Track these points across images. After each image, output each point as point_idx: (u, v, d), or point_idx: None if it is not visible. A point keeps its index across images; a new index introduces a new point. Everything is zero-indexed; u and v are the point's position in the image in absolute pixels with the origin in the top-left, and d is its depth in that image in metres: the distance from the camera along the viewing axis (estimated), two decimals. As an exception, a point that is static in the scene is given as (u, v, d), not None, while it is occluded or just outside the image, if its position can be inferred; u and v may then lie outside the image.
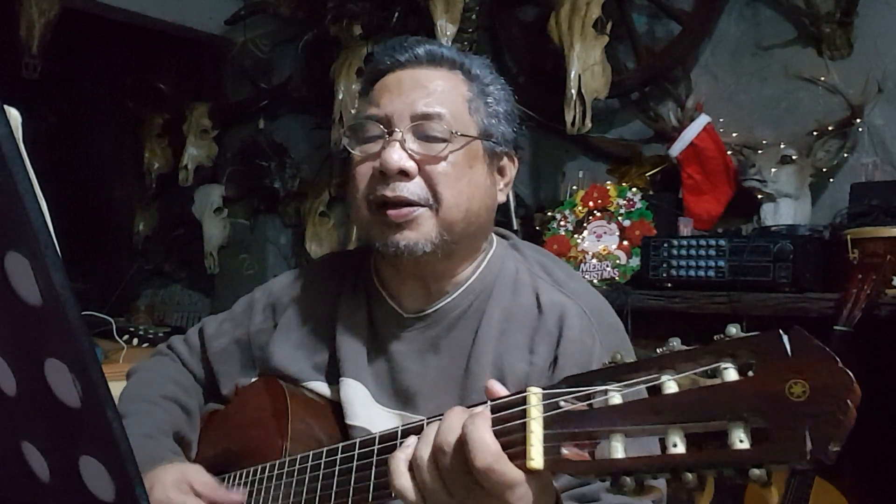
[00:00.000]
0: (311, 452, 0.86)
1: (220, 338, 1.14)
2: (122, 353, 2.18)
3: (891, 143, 1.86)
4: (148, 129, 3.79)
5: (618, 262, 2.03)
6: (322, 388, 1.03)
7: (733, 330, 0.54)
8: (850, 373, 0.48)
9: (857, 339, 1.54)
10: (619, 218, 2.07)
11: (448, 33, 2.40)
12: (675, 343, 0.57)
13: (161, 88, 3.76)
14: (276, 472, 0.90)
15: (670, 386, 0.56)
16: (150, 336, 2.43)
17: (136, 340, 2.38)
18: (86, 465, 0.46)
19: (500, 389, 0.71)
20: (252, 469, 0.95)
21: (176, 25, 3.47)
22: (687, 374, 0.56)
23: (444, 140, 0.93)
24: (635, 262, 2.00)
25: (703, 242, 1.81)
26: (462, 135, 0.93)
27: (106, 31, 3.60)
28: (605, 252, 2.06)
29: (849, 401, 0.48)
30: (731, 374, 0.53)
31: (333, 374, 1.02)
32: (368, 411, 0.98)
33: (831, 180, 1.92)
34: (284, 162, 3.30)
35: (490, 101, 0.98)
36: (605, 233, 2.09)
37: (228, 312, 1.18)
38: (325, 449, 0.85)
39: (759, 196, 1.91)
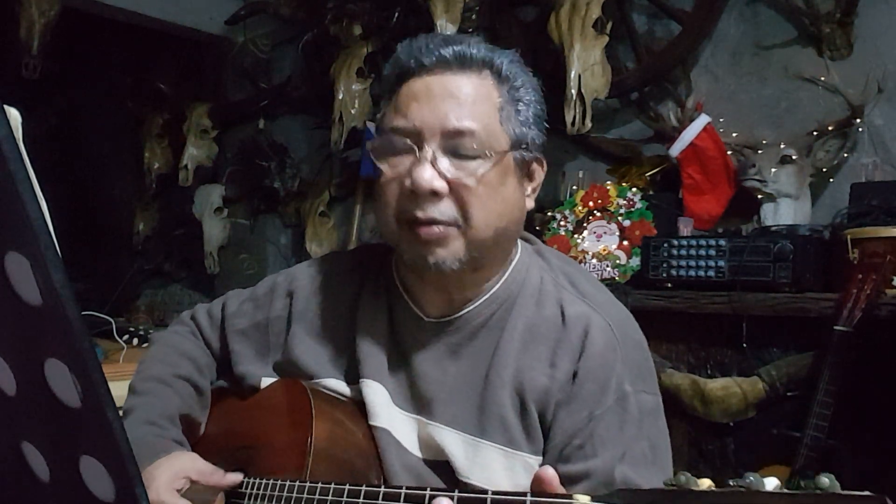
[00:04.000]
0: (332, 486, 0.84)
1: (239, 317, 1.14)
2: (122, 353, 2.17)
3: (891, 143, 1.86)
4: (148, 129, 3.79)
5: (618, 262, 2.03)
6: (340, 386, 1.02)
7: (826, 481, 0.47)
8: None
9: (857, 339, 1.54)
10: (619, 218, 2.07)
11: (448, 33, 2.39)
12: (753, 479, 0.51)
13: (161, 88, 3.76)
14: (294, 494, 0.89)
15: None
16: (150, 336, 2.43)
17: (136, 340, 2.38)
18: (86, 465, 0.46)
19: (550, 477, 0.69)
20: (271, 483, 0.94)
21: (176, 25, 3.47)
22: None
23: (475, 157, 0.89)
24: (635, 262, 2.00)
25: (703, 242, 1.81)
26: (494, 152, 0.90)
27: (106, 31, 3.60)
28: (605, 252, 2.06)
29: None
30: None
31: (352, 374, 1.01)
32: (388, 412, 0.97)
33: (831, 180, 1.92)
34: (284, 162, 3.29)
35: (521, 106, 0.94)
36: (605, 233, 2.09)
37: (251, 291, 1.16)
38: (347, 487, 0.82)
39: (759, 196, 1.91)
